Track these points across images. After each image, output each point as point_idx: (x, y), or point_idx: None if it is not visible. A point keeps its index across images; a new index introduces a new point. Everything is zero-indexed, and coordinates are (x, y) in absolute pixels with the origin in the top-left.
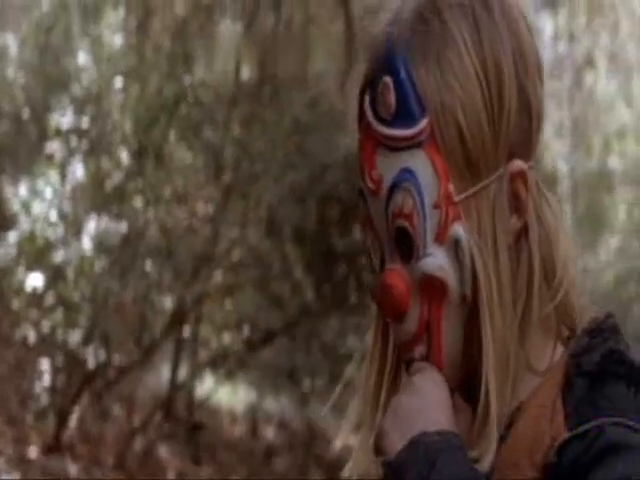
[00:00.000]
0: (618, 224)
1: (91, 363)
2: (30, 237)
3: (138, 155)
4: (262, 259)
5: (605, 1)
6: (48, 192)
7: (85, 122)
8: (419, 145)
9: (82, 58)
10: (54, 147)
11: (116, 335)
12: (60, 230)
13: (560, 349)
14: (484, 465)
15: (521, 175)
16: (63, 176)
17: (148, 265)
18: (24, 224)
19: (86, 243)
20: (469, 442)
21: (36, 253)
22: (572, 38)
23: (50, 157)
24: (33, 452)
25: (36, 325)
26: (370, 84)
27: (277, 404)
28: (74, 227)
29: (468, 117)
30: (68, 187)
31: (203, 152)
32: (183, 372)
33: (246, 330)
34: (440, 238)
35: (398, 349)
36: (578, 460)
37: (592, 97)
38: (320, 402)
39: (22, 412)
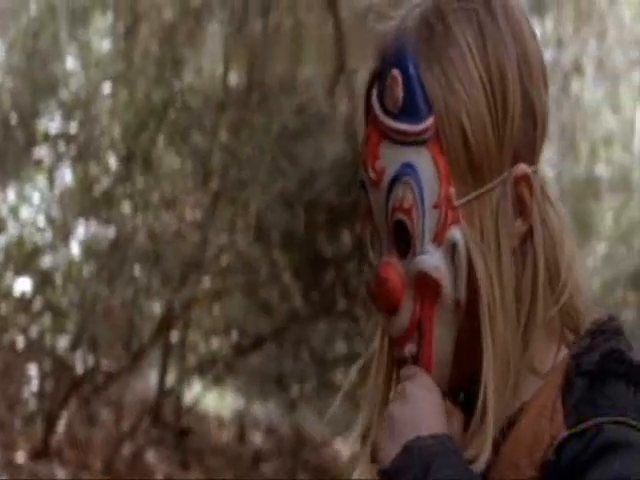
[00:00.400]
0: (605, 230)
1: (79, 368)
2: (18, 242)
3: (126, 160)
4: (250, 265)
5: (593, 8)
6: (36, 197)
7: (73, 127)
8: (423, 143)
9: (70, 63)
10: (42, 152)
11: (104, 340)
12: (48, 235)
13: (564, 352)
14: (479, 464)
15: (525, 179)
16: (51, 181)
17: (136, 270)
18: (12, 229)
19: (74, 248)
20: (462, 444)
21: (24, 258)
22: (560, 44)
23: (38, 162)
24: (21, 457)
25: (24, 330)
26: (379, 77)
27: (265, 409)
28: (62, 232)
29: (472, 121)
30: (56, 192)
31: (191, 157)
32: (171, 377)
33: (234, 335)
34: (438, 239)
35: (389, 344)
36: (577, 458)
37: (579, 104)
38: (308, 408)
39: (10, 417)
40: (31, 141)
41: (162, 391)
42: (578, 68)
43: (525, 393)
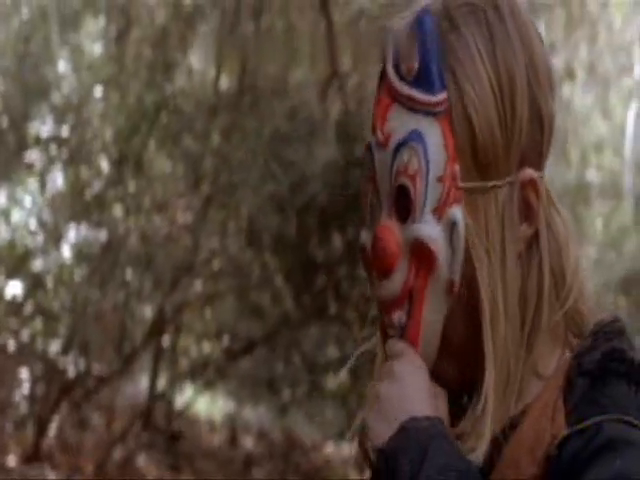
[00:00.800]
0: (595, 236)
1: (70, 372)
2: (9, 245)
3: (118, 164)
4: (242, 269)
5: (584, 13)
6: (27, 200)
7: (65, 131)
8: (434, 115)
9: (62, 66)
10: (33, 156)
11: (95, 344)
12: (40, 238)
13: (567, 355)
14: (477, 458)
15: (532, 184)
16: (43, 184)
17: (128, 274)
18: (3, 232)
19: (66, 252)
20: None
21: (15, 261)
22: (551, 49)
23: (30, 165)
24: (12, 461)
25: (15, 334)
26: (395, 45)
27: (256, 413)
28: (54, 235)
29: (480, 119)
30: (48, 195)
31: (183, 161)
32: (162, 381)
33: (226, 339)
34: (438, 212)
35: (378, 309)
36: (577, 455)
37: (570, 109)
38: (299, 412)
39: (1, 420)
40: (22, 144)
41: (153, 395)
42: (570, 73)
43: (528, 396)
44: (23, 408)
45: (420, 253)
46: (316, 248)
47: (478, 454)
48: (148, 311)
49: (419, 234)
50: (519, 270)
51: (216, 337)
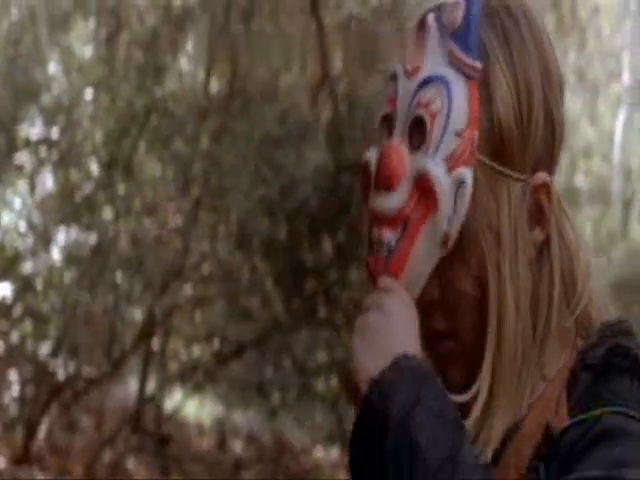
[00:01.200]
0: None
1: (60, 374)
2: None
3: (108, 166)
4: (232, 272)
5: (574, 19)
6: (17, 203)
7: (55, 133)
8: (465, 75)
9: (52, 68)
10: (23, 158)
11: (85, 347)
12: (29, 241)
13: (573, 353)
14: (486, 455)
15: (545, 188)
16: (32, 187)
17: (118, 277)
18: None
19: (55, 254)
20: None
21: (5, 263)
22: None
23: (19, 168)
24: (1, 463)
25: (5, 335)
26: (438, 7)
27: (246, 417)
28: (43, 238)
29: (502, 108)
30: (37, 198)
31: (173, 164)
32: (152, 384)
33: (216, 343)
34: (450, 164)
35: (370, 221)
36: (575, 444)
37: None
38: (289, 416)
39: None
40: (12, 146)
41: (142, 398)
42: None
43: (533, 396)
44: (13, 410)
45: (424, 188)
46: (306, 252)
47: (487, 454)
48: (138, 314)
49: (427, 169)
50: (530, 275)
51: (206, 340)
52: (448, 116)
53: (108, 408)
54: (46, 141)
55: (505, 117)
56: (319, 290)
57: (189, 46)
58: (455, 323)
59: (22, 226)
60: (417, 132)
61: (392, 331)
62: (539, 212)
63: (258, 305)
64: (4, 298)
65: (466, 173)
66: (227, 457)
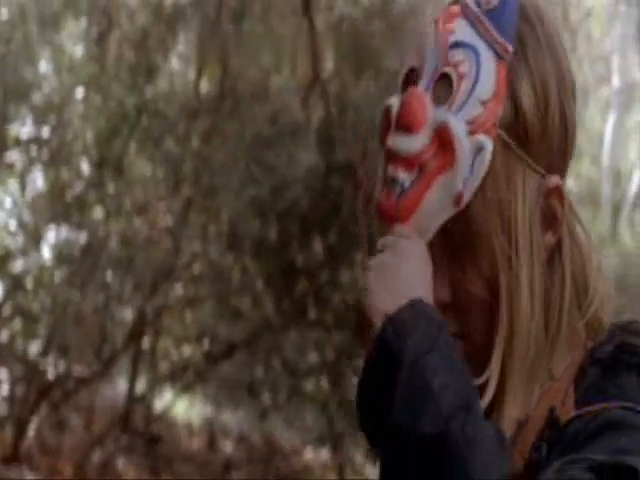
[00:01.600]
0: None
1: (50, 373)
2: None
3: (98, 166)
4: (222, 272)
5: (565, 23)
6: (7, 202)
7: (45, 132)
8: (496, 53)
9: (43, 67)
10: (14, 157)
11: (75, 346)
12: (19, 240)
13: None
14: None
15: (557, 191)
16: (23, 186)
17: (108, 276)
18: None
19: (46, 253)
20: None
21: None
22: None
23: (10, 166)
24: None
25: None
26: None
27: (236, 418)
28: (34, 237)
29: (524, 102)
30: (28, 197)
31: (163, 164)
32: (142, 384)
33: (206, 343)
34: (471, 128)
35: (386, 158)
36: (578, 434)
37: None
38: (279, 416)
39: None
40: (2, 145)
41: (132, 398)
42: None
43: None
44: (2, 409)
45: (444, 139)
46: (297, 253)
47: None
48: (128, 314)
49: (448, 122)
50: (544, 278)
51: (196, 341)
52: (475, 82)
53: (98, 408)
54: (37, 140)
55: (527, 107)
56: (310, 291)
57: (180, 46)
58: (466, 325)
59: (12, 225)
60: (442, 89)
61: (408, 275)
62: (551, 216)
63: (248, 305)
64: None
65: (486, 141)
66: (217, 457)
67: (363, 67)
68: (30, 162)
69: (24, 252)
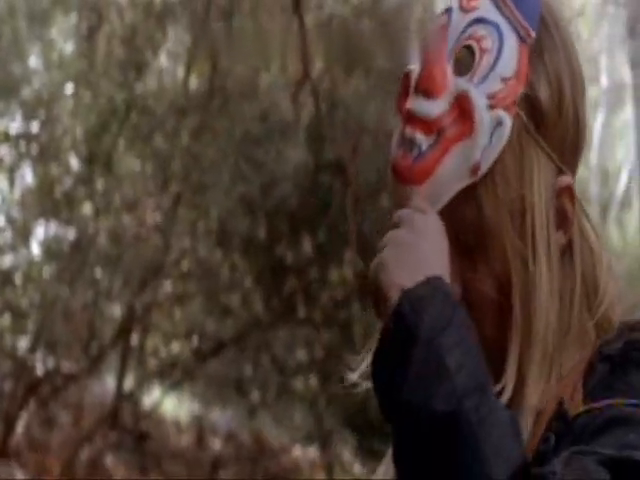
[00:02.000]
0: None
1: (39, 369)
2: None
3: (88, 162)
4: (211, 270)
5: None
6: None
7: (35, 127)
8: (519, 36)
9: (32, 63)
10: (3, 152)
11: (64, 342)
12: (8, 235)
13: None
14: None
15: (568, 190)
16: (12, 181)
17: (97, 272)
18: None
19: (35, 249)
20: None
21: None
22: None
23: None
24: None
25: None
26: None
27: (224, 415)
28: (22, 233)
29: (542, 91)
30: (17, 192)
31: (152, 160)
32: (130, 381)
33: (195, 340)
34: (491, 102)
35: (404, 120)
36: (586, 427)
37: None
38: (268, 414)
39: None
40: None
41: (121, 394)
42: None
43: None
44: None
45: (463, 108)
46: (286, 250)
47: None
48: (117, 310)
49: (469, 92)
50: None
51: (185, 337)
52: (497, 58)
53: (86, 404)
54: (26, 135)
55: (543, 96)
56: (299, 288)
57: (169, 43)
58: (477, 322)
59: (1, 220)
60: (464, 61)
61: (425, 251)
62: (562, 215)
63: (237, 303)
64: None
65: (506, 116)
66: (205, 455)
67: (353, 65)
68: (19, 157)
69: (13, 248)
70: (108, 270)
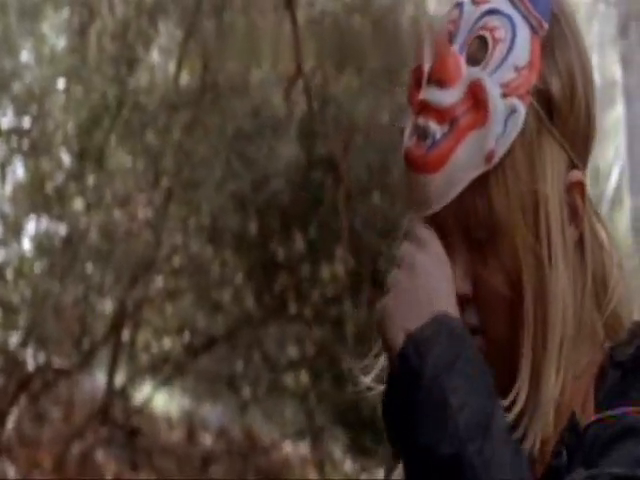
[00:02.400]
0: None
1: (30, 365)
2: None
3: (79, 157)
4: (203, 265)
5: None
6: None
7: (26, 122)
8: (532, 28)
9: (24, 57)
10: None
11: (55, 337)
12: None
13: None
14: (527, 444)
15: (579, 186)
16: (3, 176)
17: (88, 268)
18: None
19: (26, 244)
20: None
21: None
22: None
23: None
24: None
25: None
26: None
27: (215, 411)
28: (14, 228)
29: (554, 84)
30: (8, 188)
31: (144, 156)
32: (121, 376)
33: (186, 336)
34: (505, 90)
35: (416, 110)
36: (597, 439)
37: None
38: (259, 410)
39: None
40: None
41: (112, 390)
42: None
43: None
44: None
45: (477, 97)
46: (277, 247)
47: (528, 443)
48: (108, 305)
49: (483, 81)
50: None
51: (176, 333)
52: (510, 48)
53: (77, 400)
54: (17, 130)
55: (555, 89)
56: (290, 285)
57: (161, 39)
58: (488, 318)
59: None
60: (477, 51)
61: (427, 289)
62: (573, 211)
63: (229, 299)
64: None
65: (519, 105)
66: (196, 450)
67: (344, 62)
68: (10, 153)
69: (4, 243)
70: (99, 266)
